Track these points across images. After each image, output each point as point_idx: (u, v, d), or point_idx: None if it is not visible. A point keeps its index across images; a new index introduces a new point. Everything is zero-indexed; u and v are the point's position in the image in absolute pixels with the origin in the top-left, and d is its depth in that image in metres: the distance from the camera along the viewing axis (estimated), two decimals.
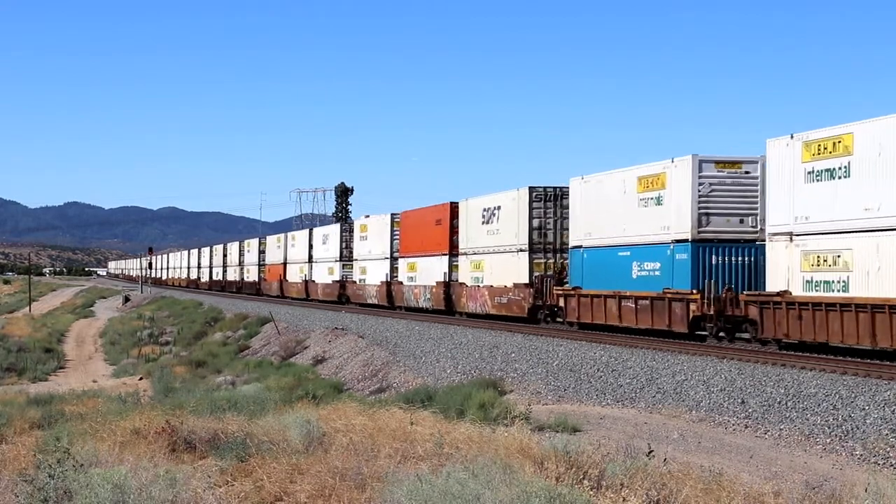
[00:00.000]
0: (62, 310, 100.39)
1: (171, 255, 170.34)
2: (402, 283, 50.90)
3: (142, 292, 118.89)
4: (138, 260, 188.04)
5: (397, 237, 52.76)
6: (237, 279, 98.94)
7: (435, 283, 45.73)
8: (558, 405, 22.37)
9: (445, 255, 44.90)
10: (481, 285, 40.81)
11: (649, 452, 12.61)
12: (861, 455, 15.74)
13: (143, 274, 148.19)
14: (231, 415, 16.42)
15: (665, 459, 12.78)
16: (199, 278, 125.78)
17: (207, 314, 69.04)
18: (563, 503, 9.72)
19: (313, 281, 69.30)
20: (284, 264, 78.96)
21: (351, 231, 62.80)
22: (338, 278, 63.13)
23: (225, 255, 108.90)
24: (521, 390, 24.86)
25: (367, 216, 61.06)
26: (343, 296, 61.54)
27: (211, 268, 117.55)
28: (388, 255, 53.26)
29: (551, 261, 36.75)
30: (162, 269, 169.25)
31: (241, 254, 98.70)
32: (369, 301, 55.84)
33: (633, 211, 30.36)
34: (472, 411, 18.31)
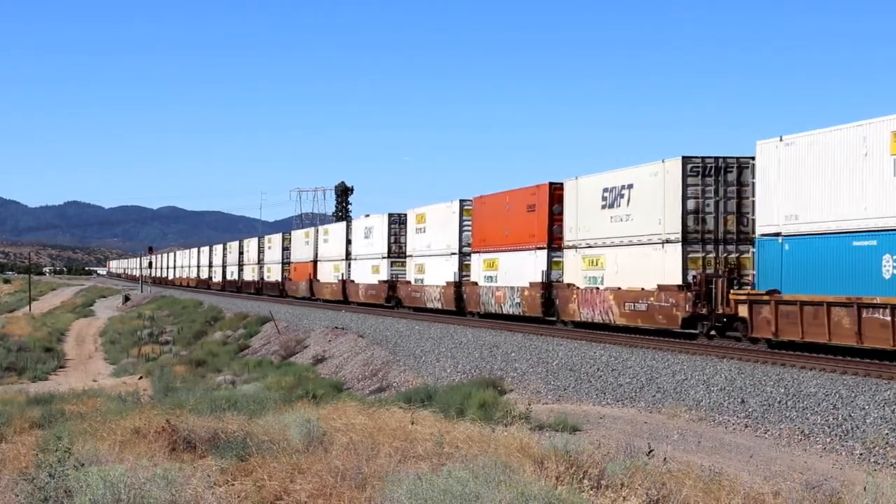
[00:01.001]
0: (62, 309, 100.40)
1: (178, 253, 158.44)
2: (476, 283, 42.30)
3: (142, 292, 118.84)
4: (140, 259, 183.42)
5: (468, 228, 43.93)
6: (255, 279, 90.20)
7: (528, 285, 36.84)
8: (558, 404, 22.39)
9: (542, 248, 36.32)
10: (602, 287, 32.09)
11: (649, 452, 12.63)
12: (861, 454, 15.75)
13: (143, 273, 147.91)
14: (231, 414, 16.43)
15: (665, 459, 12.79)
16: (210, 278, 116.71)
17: (207, 313, 69.07)
18: (563, 503, 9.73)
19: (353, 281, 60.21)
20: (315, 262, 70.15)
21: (402, 223, 53.54)
22: (385, 278, 53.93)
23: (241, 253, 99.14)
24: (521, 390, 24.87)
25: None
26: (393, 298, 53.00)
27: (224, 267, 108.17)
28: (456, 251, 44.36)
29: (711, 255, 28.43)
30: (168, 268, 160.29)
31: (259, 251, 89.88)
32: (430, 305, 47.15)
33: (884, 181, 21.72)
34: (472, 411, 18.33)
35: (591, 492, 10.34)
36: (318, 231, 71.84)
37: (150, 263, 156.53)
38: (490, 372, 27.22)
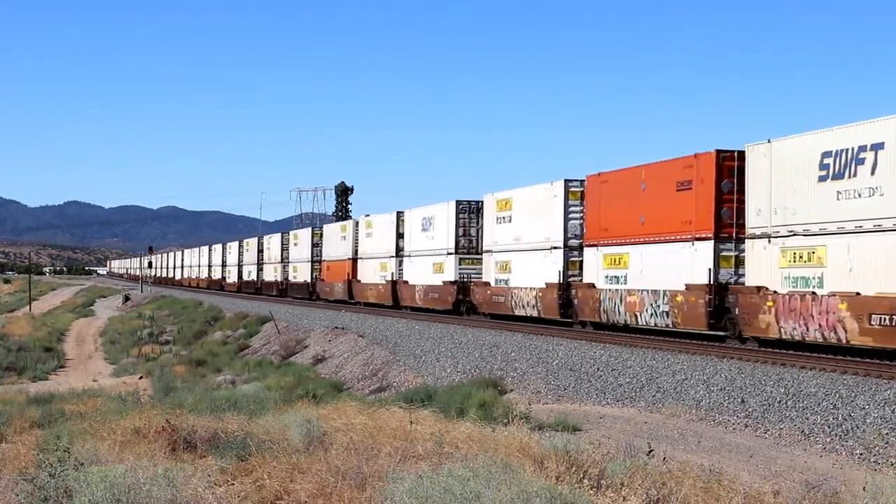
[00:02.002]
0: (62, 309, 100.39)
1: (186, 251, 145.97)
2: (592, 286, 32.77)
3: (142, 292, 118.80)
4: (140, 259, 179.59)
5: (577, 215, 34.46)
6: (278, 279, 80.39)
7: (684, 287, 27.94)
8: (558, 404, 22.39)
9: (704, 239, 27.45)
10: (821, 292, 23.24)
11: (649, 452, 12.62)
12: (861, 454, 15.76)
13: (146, 274, 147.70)
14: (231, 414, 16.44)
15: (665, 459, 12.80)
16: (223, 278, 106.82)
17: (207, 313, 69.08)
18: (564, 502, 9.73)
19: (405, 282, 50.07)
20: (354, 260, 59.79)
21: (474, 211, 44.14)
22: (452, 278, 44.09)
23: (260, 251, 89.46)
24: (521, 389, 24.87)
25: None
26: (463, 302, 43.37)
27: (240, 266, 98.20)
28: (560, 244, 34.78)
29: None
30: (175, 267, 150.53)
31: (283, 248, 79.85)
32: (519, 312, 37.50)
33: None
34: (472, 410, 18.34)
35: (591, 491, 10.34)
36: (357, 224, 60.62)
37: (150, 263, 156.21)
38: (490, 372, 27.23)
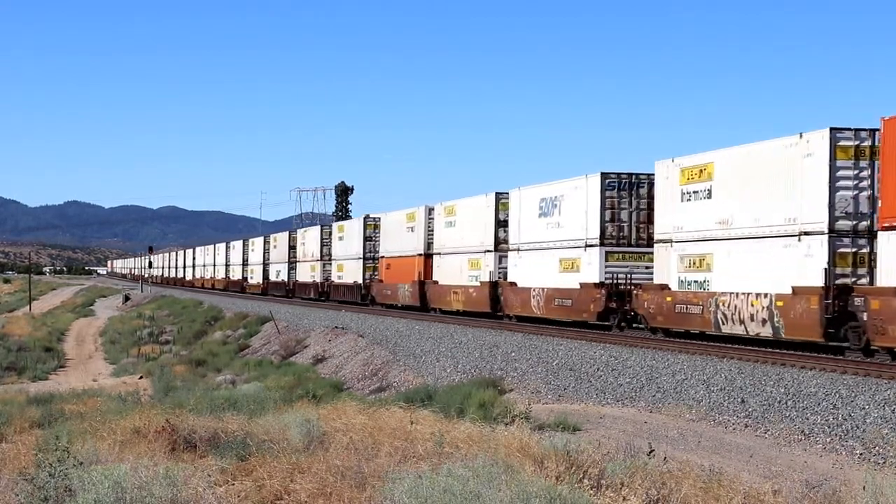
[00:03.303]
0: (62, 309, 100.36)
1: (198, 249, 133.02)
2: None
3: (142, 291, 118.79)
4: (140, 259, 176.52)
5: (850, 182, 23.40)
6: (317, 280, 68.24)
7: None
8: (558, 404, 22.39)
9: None
10: None
11: (649, 452, 12.64)
12: (861, 454, 15.76)
13: (152, 274, 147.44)
14: (231, 414, 16.45)
15: (665, 458, 12.81)
16: (245, 279, 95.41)
17: (207, 313, 69.08)
18: (564, 502, 9.73)
19: (513, 284, 38.13)
20: (427, 256, 47.62)
21: (627, 186, 32.74)
22: (596, 278, 32.25)
23: (292, 247, 77.22)
24: (520, 389, 24.87)
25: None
26: (618, 311, 31.88)
27: (266, 265, 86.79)
28: (822, 226, 23.49)
29: None
30: (183, 267, 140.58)
31: (323, 244, 67.91)
32: (733, 330, 26.40)
33: None
34: (472, 410, 18.36)
35: (591, 491, 10.35)
36: (431, 211, 47.95)
37: (151, 263, 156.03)
38: (490, 372, 27.23)
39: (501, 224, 40.29)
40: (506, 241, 39.65)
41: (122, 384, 37.97)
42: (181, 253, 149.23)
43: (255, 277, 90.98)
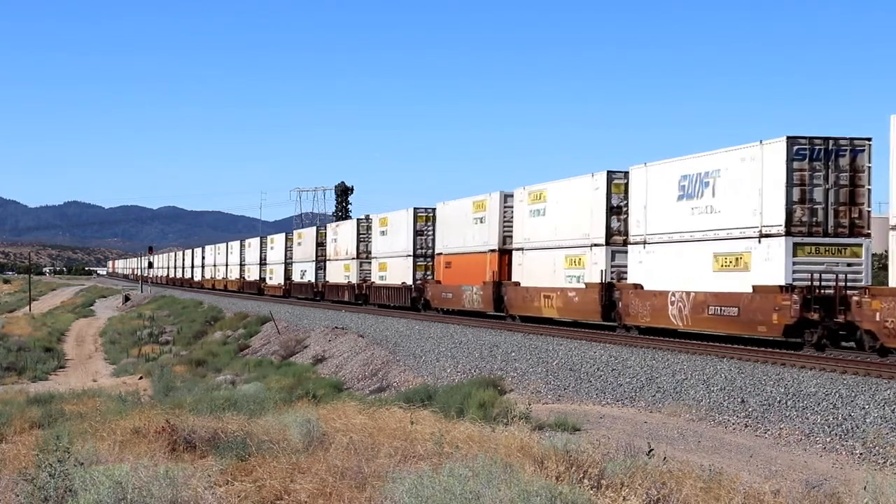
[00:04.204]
0: (62, 309, 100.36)
1: (207, 248, 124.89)
2: None
3: (142, 292, 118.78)
4: (140, 258, 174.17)
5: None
6: (353, 281, 59.98)
7: None
8: (558, 404, 22.39)
9: None
10: None
11: (649, 451, 12.64)
12: (861, 454, 15.75)
13: (144, 273, 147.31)
14: (231, 414, 16.45)
15: (665, 458, 12.80)
16: (263, 279, 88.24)
17: (207, 313, 69.06)
18: (564, 502, 9.73)
19: (637, 287, 30.39)
20: (503, 253, 40.28)
21: (822, 157, 25.19)
22: (777, 279, 24.93)
23: (320, 245, 69.43)
24: (520, 389, 24.86)
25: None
26: (819, 325, 24.18)
27: (288, 265, 78.92)
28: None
29: None
30: (191, 267, 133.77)
31: (360, 240, 60.20)
32: None
33: None
34: (472, 410, 18.35)
35: (591, 491, 10.35)
36: (506, 198, 40.58)
37: (151, 263, 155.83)
38: (490, 372, 27.22)
39: (614, 211, 32.38)
40: (621, 233, 32.00)
41: (122, 384, 37.97)
42: (189, 252, 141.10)
43: (275, 278, 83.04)
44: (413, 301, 49.57)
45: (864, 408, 17.56)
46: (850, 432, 16.73)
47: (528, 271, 37.51)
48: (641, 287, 30.12)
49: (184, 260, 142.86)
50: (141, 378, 40.76)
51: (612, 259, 32.34)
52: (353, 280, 59.78)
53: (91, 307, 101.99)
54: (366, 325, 42.15)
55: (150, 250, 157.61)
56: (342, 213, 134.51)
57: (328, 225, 69.69)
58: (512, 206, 39.87)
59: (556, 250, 35.42)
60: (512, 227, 39.71)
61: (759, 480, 12.58)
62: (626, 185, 31.71)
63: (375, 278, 56.36)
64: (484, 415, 17.72)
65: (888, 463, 15.16)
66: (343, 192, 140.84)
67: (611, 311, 31.89)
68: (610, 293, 31.89)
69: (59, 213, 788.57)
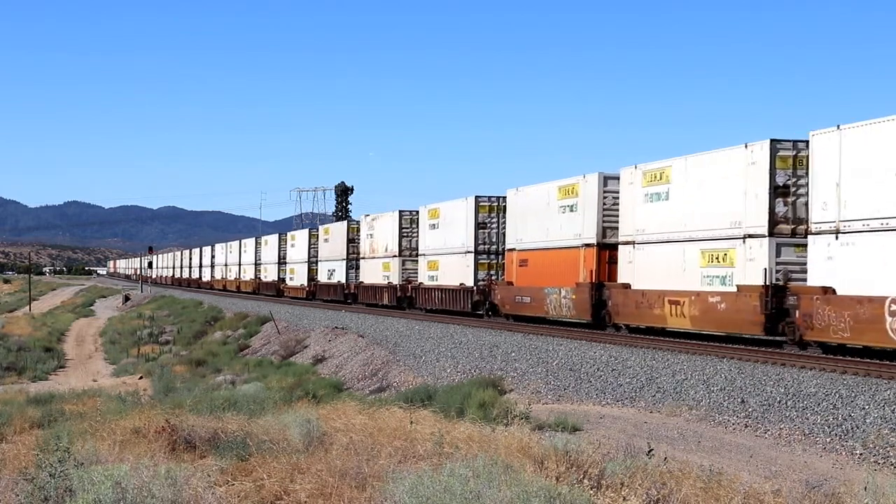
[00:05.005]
0: (62, 309, 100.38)
1: (217, 246, 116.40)
2: None
3: (142, 292, 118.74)
4: (141, 258, 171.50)
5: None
6: (392, 281, 52.54)
7: None
8: (558, 404, 22.38)
9: None
10: None
11: (649, 451, 12.64)
12: (861, 454, 15.75)
13: (144, 273, 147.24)
14: (231, 414, 16.45)
15: (665, 458, 12.79)
16: (282, 280, 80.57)
17: (207, 313, 69.08)
18: (564, 502, 9.73)
19: (828, 291, 23.08)
20: (603, 248, 32.71)
21: None
22: None
23: (351, 241, 61.32)
24: (520, 389, 24.86)
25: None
26: None
27: (312, 263, 71.11)
28: None
29: None
30: (202, 266, 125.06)
31: (401, 234, 52.37)
32: None
33: None
34: (472, 410, 18.35)
35: (591, 491, 10.35)
36: (605, 181, 33.04)
37: (150, 263, 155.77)
38: (490, 372, 27.21)
39: (780, 191, 25.49)
40: (789, 220, 25.43)
41: (122, 384, 37.97)
42: (197, 251, 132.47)
43: (297, 278, 75.24)
44: (474, 305, 42.37)
45: (864, 408, 17.56)
46: (851, 432, 16.72)
47: (643, 271, 30.08)
48: (833, 291, 22.91)
49: (191, 259, 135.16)
50: (141, 378, 40.76)
51: (777, 254, 25.41)
52: (395, 280, 52.15)
53: (91, 307, 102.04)
54: (366, 325, 42.15)
55: (151, 250, 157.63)
56: (342, 213, 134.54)
57: (362, 218, 60.15)
58: (615, 191, 32.31)
59: (687, 244, 28.23)
60: (616, 215, 32.09)
61: (759, 480, 12.57)
62: (796, 157, 25.30)
63: (424, 278, 48.53)
64: (484, 415, 17.72)
65: (888, 463, 15.16)
66: (343, 192, 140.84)
67: (778, 321, 24.96)
68: (779, 298, 24.83)
69: (59, 213, 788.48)
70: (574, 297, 33.33)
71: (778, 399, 19.21)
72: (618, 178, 32.15)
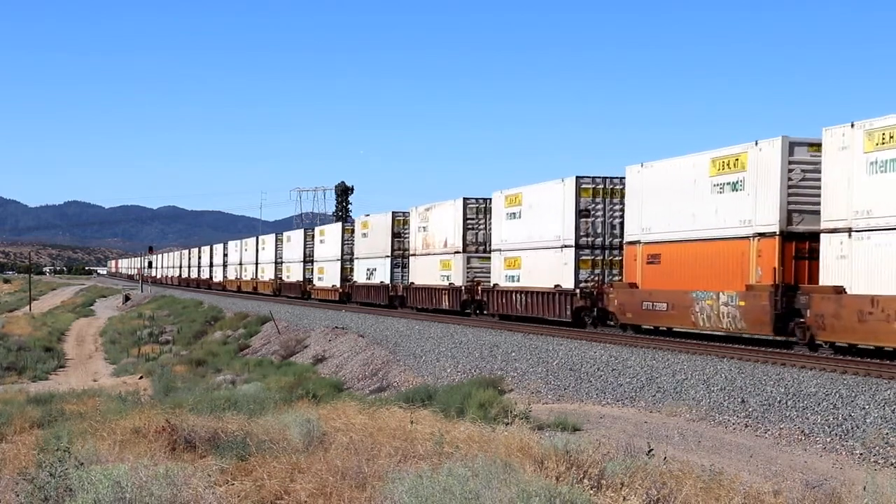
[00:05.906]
0: (62, 309, 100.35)
1: (230, 244, 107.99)
2: None
3: (142, 292, 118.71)
4: (141, 258, 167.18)
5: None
6: (453, 282, 44.79)
7: None
8: (558, 404, 22.38)
9: None
10: None
11: (649, 451, 12.62)
12: (861, 454, 15.75)
13: (145, 273, 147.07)
14: (231, 414, 16.45)
15: (665, 458, 12.79)
16: (308, 280, 72.67)
17: (207, 313, 69.07)
18: (564, 502, 9.73)
19: None
20: (789, 239, 24.76)
21: None
22: None
23: (396, 235, 53.68)
24: (521, 389, 24.85)
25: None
26: None
27: (345, 261, 63.16)
28: None
29: None
30: (211, 266, 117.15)
31: (465, 226, 44.48)
32: None
33: None
34: (472, 410, 18.35)
35: (591, 491, 10.35)
36: (788, 148, 24.93)
37: (150, 263, 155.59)
38: (490, 372, 27.21)
39: None
40: None
41: (122, 384, 37.97)
42: (207, 249, 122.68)
43: (328, 278, 66.46)
44: (576, 312, 34.23)
45: (864, 408, 17.55)
46: (850, 432, 16.72)
47: (868, 270, 21.90)
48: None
49: (199, 258, 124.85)
50: (141, 378, 40.76)
51: None
52: (457, 282, 44.29)
53: (91, 307, 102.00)
54: (366, 325, 42.14)
55: (151, 250, 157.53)
56: (342, 214, 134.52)
57: (412, 209, 51.63)
58: (808, 161, 24.69)
59: None
60: (809, 195, 24.52)
61: (759, 480, 12.58)
62: None
63: (499, 279, 40.21)
64: (484, 415, 17.72)
65: (888, 463, 15.16)
66: (343, 192, 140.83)
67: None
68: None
69: (60, 212, 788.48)
70: (743, 303, 25.65)
71: (778, 399, 19.21)
72: (809, 145, 24.65)
